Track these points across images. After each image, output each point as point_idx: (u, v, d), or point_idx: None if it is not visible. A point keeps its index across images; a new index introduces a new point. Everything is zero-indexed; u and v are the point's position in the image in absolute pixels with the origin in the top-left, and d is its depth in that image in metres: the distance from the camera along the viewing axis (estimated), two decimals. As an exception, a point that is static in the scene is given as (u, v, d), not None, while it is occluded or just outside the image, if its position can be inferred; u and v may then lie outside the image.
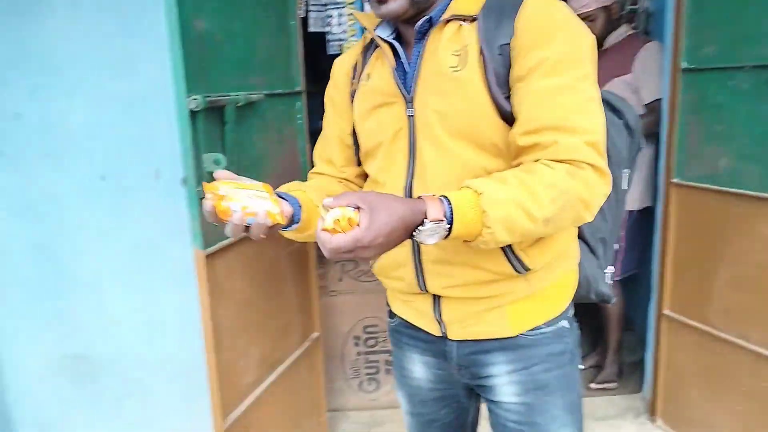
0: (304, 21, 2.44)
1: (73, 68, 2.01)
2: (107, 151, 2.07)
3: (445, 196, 0.92)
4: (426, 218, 0.89)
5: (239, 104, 1.64)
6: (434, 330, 1.20)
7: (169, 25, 1.40)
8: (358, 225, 0.84)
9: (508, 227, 0.91)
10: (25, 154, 2.07)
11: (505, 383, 1.17)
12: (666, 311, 2.36)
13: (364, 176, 1.25)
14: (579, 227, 1.24)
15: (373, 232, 0.84)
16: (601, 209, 1.14)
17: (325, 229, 0.85)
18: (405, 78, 1.09)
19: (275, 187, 1.05)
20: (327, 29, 2.48)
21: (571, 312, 1.22)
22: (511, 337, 1.15)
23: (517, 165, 0.99)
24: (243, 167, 1.71)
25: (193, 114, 1.47)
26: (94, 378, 2.25)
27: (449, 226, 0.90)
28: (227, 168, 1.59)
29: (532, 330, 1.15)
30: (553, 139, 0.94)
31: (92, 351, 2.23)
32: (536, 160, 0.95)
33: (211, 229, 1.57)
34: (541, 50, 0.96)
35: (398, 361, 1.34)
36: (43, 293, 2.18)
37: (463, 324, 1.15)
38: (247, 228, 0.94)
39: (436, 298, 1.15)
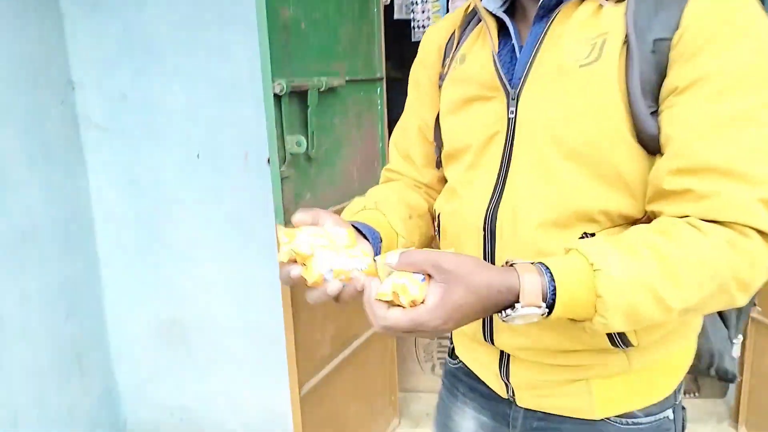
0: (389, 8, 2.47)
1: (173, 53, 2.16)
2: (203, 132, 2.21)
3: (547, 267, 0.68)
4: (518, 301, 0.66)
5: (321, 89, 1.70)
6: (500, 390, 0.95)
7: (258, 12, 1.48)
8: (423, 301, 0.65)
9: (630, 317, 0.67)
10: (130, 131, 2.25)
11: None
12: (753, 314, 2.23)
13: (446, 181, 0.99)
14: None
15: (443, 314, 0.65)
16: None
17: (380, 299, 0.67)
18: (512, 66, 0.84)
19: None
20: (411, 16, 2.49)
21: (680, 398, 0.93)
22: (595, 421, 0.88)
23: (651, 217, 0.75)
24: (323, 151, 1.78)
25: (278, 98, 1.55)
26: (185, 342, 2.43)
27: (549, 310, 0.67)
28: (308, 151, 1.69)
29: (624, 416, 0.88)
30: (715, 189, 0.68)
31: (185, 316, 2.41)
32: (683, 216, 0.70)
33: (292, 209, 1.65)
34: (716, 58, 0.69)
35: (445, 409, 1.09)
36: (143, 261, 2.38)
37: (535, 392, 0.91)
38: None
39: (504, 355, 0.91)
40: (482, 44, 0.89)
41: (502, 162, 0.84)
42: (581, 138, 0.75)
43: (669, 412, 0.90)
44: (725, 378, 1.05)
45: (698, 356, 0.96)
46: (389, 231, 0.90)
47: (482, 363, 0.96)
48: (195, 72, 2.16)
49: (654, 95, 0.73)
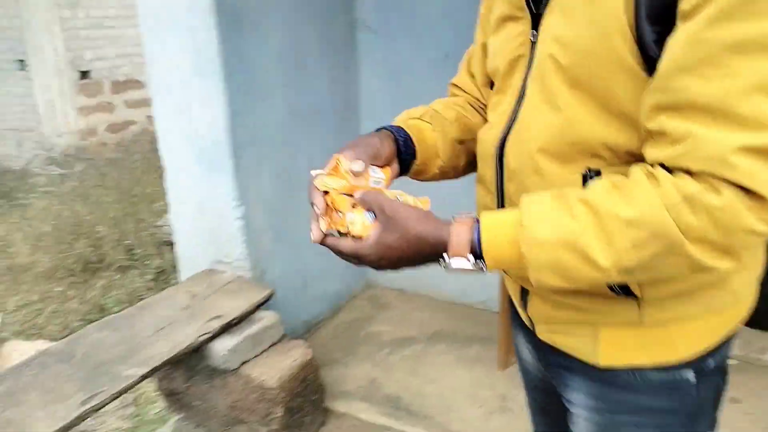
0: None
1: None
2: (452, 34, 2.57)
3: (480, 221, 0.72)
4: (446, 252, 0.73)
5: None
6: (527, 322, 0.96)
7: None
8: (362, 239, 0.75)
9: (559, 274, 0.68)
10: (393, 33, 2.71)
11: (582, 418, 0.92)
12: None
13: None
14: None
15: (377, 252, 0.74)
16: None
17: (336, 228, 0.79)
18: None
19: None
20: None
21: (713, 363, 0.84)
22: (600, 368, 0.85)
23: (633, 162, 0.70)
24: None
25: None
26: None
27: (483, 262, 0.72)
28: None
29: (631, 369, 0.84)
30: (690, 130, 0.61)
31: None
32: (657, 164, 0.66)
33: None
34: None
35: (514, 334, 1.10)
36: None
37: (549, 327, 0.91)
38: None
39: (525, 288, 0.92)
40: None
41: (520, 90, 0.81)
42: (583, 65, 0.70)
43: (689, 374, 0.83)
44: None
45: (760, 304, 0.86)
46: (432, 150, 0.93)
47: (514, 294, 0.97)
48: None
49: (662, 19, 0.63)
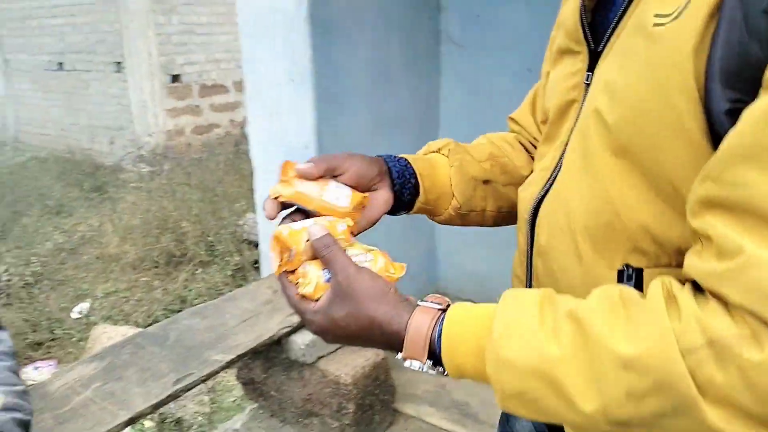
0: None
1: (521, -21, 2.56)
2: (537, 48, 2.59)
3: (443, 319, 0.57)
4: (401, 351, 0.58)
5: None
6: None
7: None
8: (317, 300, 0.62)
9: (533, 410, 0.53)
10: (479, 47, 2.76)
11: None
12: None
13: None
14: None
15: (322, 323, 0.61)
16: None
17: (293, 274, 0.64)
18: (606, 20, 0.63)
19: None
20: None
21: None
22: None
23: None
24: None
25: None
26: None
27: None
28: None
29: None
30: (740, 245, 0.44)
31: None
32: (689, 279, 0.49)
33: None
34: None
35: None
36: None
37: None
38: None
39: None
40: None
41: (567, 142, 0.67)
42: (632, 123, 0.55)
43: None
44: None
45: None
46: (443, 188, 0.80)
47: None
48: (537, -5, 2.54)
49: (748, 84, 0.46)
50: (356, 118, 2.47)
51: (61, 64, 7.94)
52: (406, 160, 0.80)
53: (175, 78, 7.26)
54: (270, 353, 2.13)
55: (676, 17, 0.51)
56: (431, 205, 0.81)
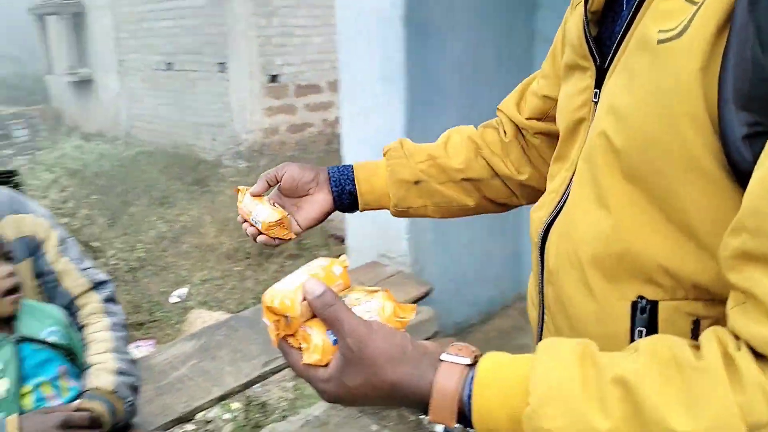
0: None
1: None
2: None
3: (473, 377, 0.50)
4: (427, 414, 0.51)
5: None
6: None
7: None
8: (326, 365, 0.54)
9: None
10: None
11: None
12: None
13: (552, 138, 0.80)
14: None
15: (334, 392, 0.53)
16: None
17: (293, 337, 0.56)
18: (612, 33, 0.59)
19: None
20: None
21: None
22: None
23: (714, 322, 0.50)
24: None
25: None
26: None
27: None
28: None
29: None
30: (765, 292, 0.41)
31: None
32: (736, 336, 0.44)
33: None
34: None
35: None
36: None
37: None
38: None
39: None
40: None
41: (577, 159, 0.63)
42: (641, 150, 0.51)
43: None
44: None
45: None
46: (383, 186, 0.88)
47: None
48: None
49: (762, 105, 0.43)
50: (447, 118, 2.49)
51: (170, 64, 8.46)
52: (351, 168, 0.88)
53: (273, 78, 7.55)
54: (353, 344, 2.19)
55: (681, 32, 0.46)
56: (373, 206, 0.89)
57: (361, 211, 0.91)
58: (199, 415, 2.76)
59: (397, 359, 0.52)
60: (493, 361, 0.51)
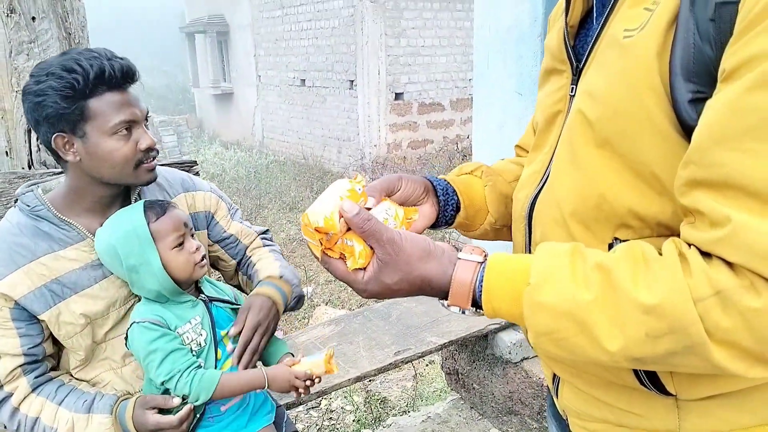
0: None
1: None
2: None
3: (485, 267, 0.64)
4: (446, 298, 0.66)
5: None
6: (560, 409, 0.87)
7: None
8: (364, 268, 0.67)
9: (563, 347, 0.61)
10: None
11: None
12: None
13: None
14: None
15: (373, 289, 0.67)
16: None
17: (331, 250, 0.69)
18: (585, 40, 0.74)
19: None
20: None
21: None
22: None
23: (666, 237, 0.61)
24: None
25: None
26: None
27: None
28: None
29: None
30: (728, 215, 0.52)
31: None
32: (690, 243, 0.56)
33: None
34: None
35: (548, 424, 1.00)
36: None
37: (582, 422, 0.80)
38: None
39: (556, 376, 0.84)
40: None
41: (555, 146, 0.75)
42: (612, 121, 0.63)
43: None
44: None
45: None
46: (479, 204, 0.89)
47: (547, 378, 0.88)
48: None
49: (704, 78, 0.56)
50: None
51: (303, 80, 9.02)
52: (446, 180, 0.90)
53: (398, 96, 7.83)
54: (476, 347, 2.27)
55: (641, 29, 0.60)
56: (469, 220, 0.90)
57: (451, 228, 0.92)
58: (324, 403, 2.95)
59: (425, 258, 0.65)
60: (500, 258, 0.65)
